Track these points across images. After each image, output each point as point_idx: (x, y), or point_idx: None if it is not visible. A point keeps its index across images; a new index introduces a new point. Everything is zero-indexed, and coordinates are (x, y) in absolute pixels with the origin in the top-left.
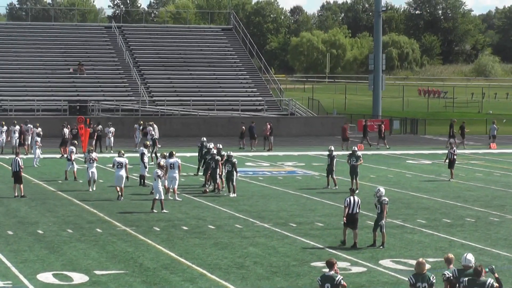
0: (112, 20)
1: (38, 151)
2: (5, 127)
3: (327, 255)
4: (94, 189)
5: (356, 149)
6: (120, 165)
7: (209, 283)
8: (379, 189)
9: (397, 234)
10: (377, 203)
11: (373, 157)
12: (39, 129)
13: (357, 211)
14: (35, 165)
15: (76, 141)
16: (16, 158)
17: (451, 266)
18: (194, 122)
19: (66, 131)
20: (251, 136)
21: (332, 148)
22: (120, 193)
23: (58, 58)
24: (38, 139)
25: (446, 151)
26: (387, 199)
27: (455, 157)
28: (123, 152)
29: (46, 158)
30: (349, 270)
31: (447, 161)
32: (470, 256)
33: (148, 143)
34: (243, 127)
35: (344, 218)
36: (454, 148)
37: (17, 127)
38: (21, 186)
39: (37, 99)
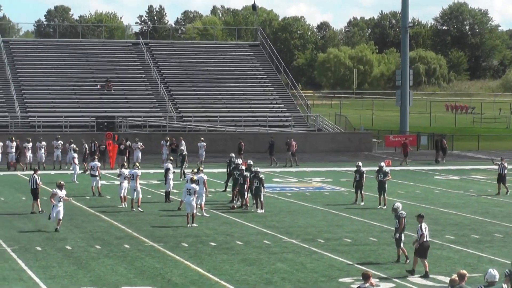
0: (139, 36)
1: (76, 167)
2: (30, 144)
3: (355, 271)
4: (125, 205)
5: (383, 165)
6: (131, 177)
7: None
8: (395, 203)
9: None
10: (395, 218)
11: (401, 173)
12: (74, 145)
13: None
14: (75, 181)
15: (97, 157)
16: (34, 175)
17: (463, 283)
18: (221, 138)
19: (87, 146)
20: (270, 152)
21: (360, 163)
22: (125, 204)
23: (86, 74)
24: (75, 155)
25: (494, 166)
26: (404, 212)
27: (506, 171)
28: (137, 164)
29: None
30: (378, 286)
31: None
32: (494, 272)
33: (172, 158)
34: (242, 143)
35: (416, 245)
36: (503, 163)
37: (14, 143)
38: (38, 202)
39: (65, 115)
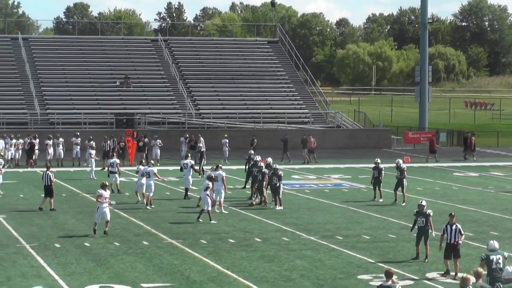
0: (158, 33)
1: (93, 163)
2: (51, 141)
3: (374, 268)
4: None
5: (400, 162)
6: (147, 174)
7: None
8: (421, 201)
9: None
10: (418, 215)
11: (420, 170)
12: (92, 142)
13: (457, 240)
14: (94, 178)
15: (115, 154)
16: (47, 172)
17: (480, 280)
18: (240, 135)
19: (109, 143)
20: (284, 150)
21: (379, 160)
22: (145, 201)
23: (105, 71)
24: (93, 152)
25: None
26: (431, 211)
27: None
28: (152, 162)
29: (94, 171)
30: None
31: None
32: (511, 269)
33: (189, 154)
34: (255, 140)
35: (440, 248)
36: None
37: (25, 139)
38: (51, 200)
39: (84, 112)
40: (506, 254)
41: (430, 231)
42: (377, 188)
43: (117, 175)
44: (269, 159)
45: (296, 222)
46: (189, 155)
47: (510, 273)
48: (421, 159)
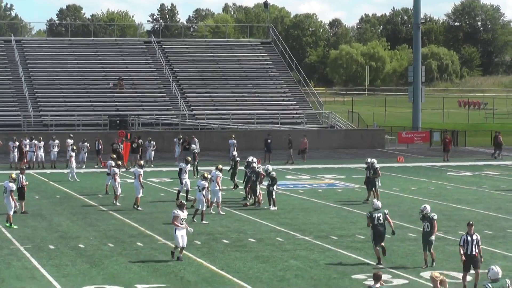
0: (151, 35)
1: (74, 166)
2: (42, 142)
3: (368, 268)
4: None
5: (374, 161)
6: (134, 176)
7: None
8: (425, 206)
9: (439, 247)
10: (423, 220)
11: (414, 169)
12: (81, 144)
13: (476, 250)
14: (76, 180)
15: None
16: (20, 174)
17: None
18: (234, 136)
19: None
20: (267, 150)
21: (369, 160)
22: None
23: (98, 73)
24: (73, 154)
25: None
26: (435, 215)
27: None
28: (141, 163)
29: (87, 172)
30: (391, 283)
31: None
32: (497, 269)
33: (189, 158)
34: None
35: (463, 260)
36: None
37: (17, 143)
38: (23, 202)
39: (78, 114)
40: (508, 282)
41: (432, 237)
42: (371, 189)
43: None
44: (269, 167)
45: (291, 222)
46: (188, 158)
47: (497, 273)
48: (416, 159)
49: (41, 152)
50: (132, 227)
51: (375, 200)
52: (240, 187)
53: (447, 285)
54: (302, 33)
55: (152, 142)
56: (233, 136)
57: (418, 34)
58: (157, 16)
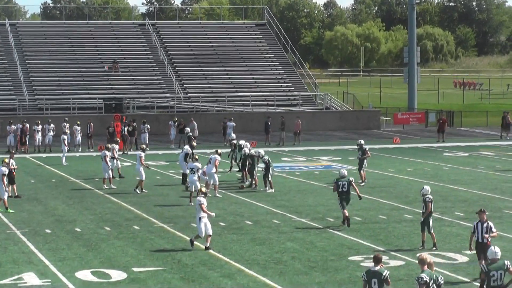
0: (146, 17)
1: (65, 149)
2: (40, 126)
3: (364, 249)
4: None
5: (362, 142)
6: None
7: (247, 278)
8: (423, 187)
9: (435, 228)
10: (422, 202)
11: (410, 151)
12: (74, 127)
13: (488, 239)
14: (64, 163)
15: (113, 139)
16: (10, 159)
17: (425, 267)
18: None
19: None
20: (266, 132)
21: (362, 141)
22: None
23: (93, 56)
24: (65, 137)
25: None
26: (431, 196)
27: None
28: (143, 147)
29: (82, 156)
30: (387, 264)
31: None
32: (496, 249)
33: (194, 143)
34: (226, 123)
35: (470, 249)
36: None
37: (20, 126)
38: (14, 186)
39: (73, 97)
40: (508, 263)
41: (428, 218)
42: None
43: (117, 161)
44: (262, 152)
45: (287, 204)
46: (194, 143)
47: (494, 253)
48: (412, 140)
49: (39, 136)
50: (129, 210)
51: (342, 169)
52: (235, 169)
53: (434, 268)
54: (297, 15)
55: (146, 125)
56: (232, 118)
57: (413, 15)
58: None
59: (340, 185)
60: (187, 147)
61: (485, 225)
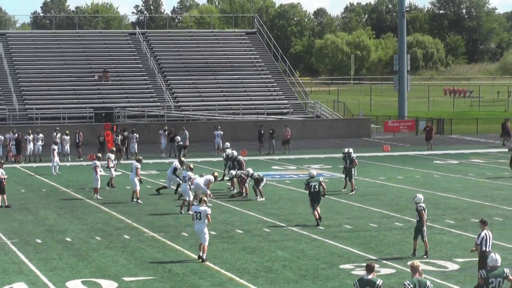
0: (136, 26)
1: (57, 159)
2: (31, 136)
3: (355, 258)
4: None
5: (351, 151)
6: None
7: (238, 287)
8: (416, 195)
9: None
10: (416, 210)
11: (400, 158)
12: (65, 135)
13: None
14: (54, 173)
15: (107, 149)
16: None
17: (417, 275)
18: (220, 127)
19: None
20: (260, 140)
21: (346, 150)
22: (132, 196)
23: (83, 65)
24: (56, 147)
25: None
26: (423, 205)
27: None
28: (140, 158)
29: (72, 165)
30: (378, 272)
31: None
32: (497, 256)
33: (183, 159)
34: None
35: (474, 249)
36: None
37: (16, 135)
38: (5, 196)
39: (63, 107)
40: (507, 271)
41: (423, 227)
42: (347, 179)
43: (112, 170)
44: (250, 170)
45: (277, 213)
46: (183, 159)
47: (495, 260)
48: (402, 148)
49: (30, 146)
50: (119, 219)
51: (311, 170)
52: (226, 178)
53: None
54: (287, 23)
55: (135, 134)
56: (219, 127)
57: (403, 23)
58: (142, 8)
59: (312, 186)
60: (176, 162)
61: (489, 234)
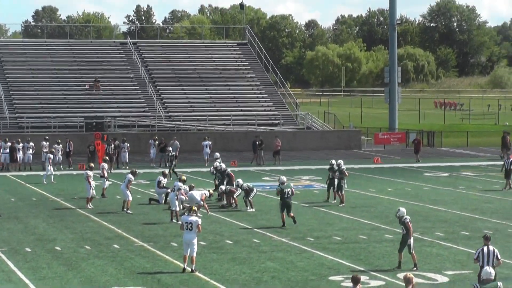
0: (127, 36)
1: (51, 168)
2: (21, 144)
3: (345, 269)
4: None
5: (341, 163)
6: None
7: None
8: (399, 209)
9: (415, 248)
10: (400, 224)
11: (391, 170)
12: (56, 145)
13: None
14: (46, 182)
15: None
16: None
17: (410, 287)
18: (211, 137)
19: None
20: (254, 151)
21: (333, 161)
22: (123, 206)
23: (74, 74)
24: (51, 156)
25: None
26: (408, 217)
27: None
28: (135, 170)
29: (63, 174)
30: (368, 284)
31: (503, 170)
32: (490, 269)
33: (166, 171)
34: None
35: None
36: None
37: (8, 144)
38: None
39: (54, 116)
40: (500, 284)
41: (409, 240)
42: (331, 190)
43: (104, 180)
44: (240, 181)
45: (267, 224)
46: (166, 171)
47: (488, 274)
48: (393, 160)
49: (19, 154)
50: (109, 229)
51: (282, 176)
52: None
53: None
54: (278, 34)
55: (126, 143)
56: (207, 137)
57: (394, 35)
58: (133, 18)
59: (285, 192)
60: (160, 176)
61: (491, 249)
